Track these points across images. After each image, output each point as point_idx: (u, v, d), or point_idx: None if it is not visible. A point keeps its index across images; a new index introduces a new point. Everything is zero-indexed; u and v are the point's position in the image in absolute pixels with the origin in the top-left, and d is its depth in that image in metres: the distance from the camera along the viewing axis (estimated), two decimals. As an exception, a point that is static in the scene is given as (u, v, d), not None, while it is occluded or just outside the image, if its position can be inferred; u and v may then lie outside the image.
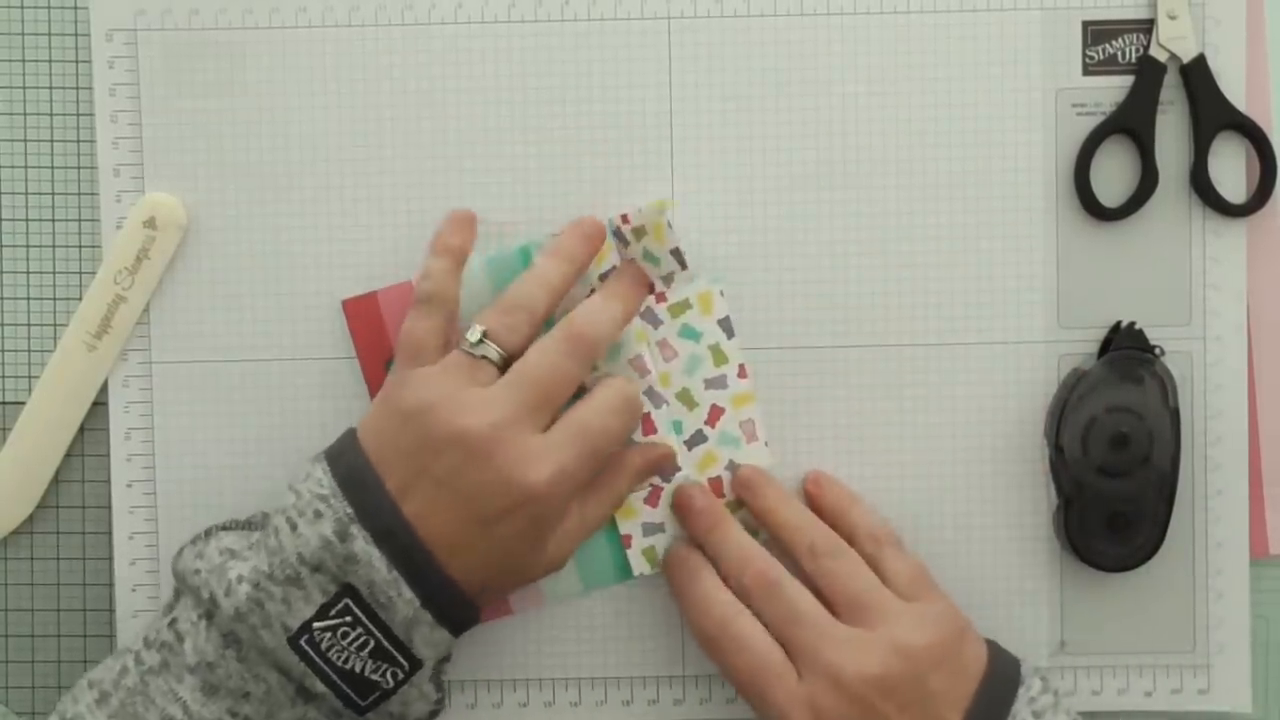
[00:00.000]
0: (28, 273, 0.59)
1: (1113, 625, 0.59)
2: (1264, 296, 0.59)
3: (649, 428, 0.57)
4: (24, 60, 0.58)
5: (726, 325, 0.58)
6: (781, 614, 0.53)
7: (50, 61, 0.58)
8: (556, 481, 0.51)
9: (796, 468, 0.59)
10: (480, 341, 0.53)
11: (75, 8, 0.58)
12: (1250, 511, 0.59)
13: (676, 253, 0.56)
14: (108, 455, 0.59)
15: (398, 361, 0.54)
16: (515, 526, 0.51)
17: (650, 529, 0.58)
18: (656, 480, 0.58)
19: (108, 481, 0.59)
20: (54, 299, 0.59)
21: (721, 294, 0.58)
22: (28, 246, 0.59)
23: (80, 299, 0.58)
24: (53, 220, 0.59)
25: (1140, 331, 0.57)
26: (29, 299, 0.59)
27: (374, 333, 0.58)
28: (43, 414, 0.58)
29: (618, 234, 0.57)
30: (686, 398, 0.58)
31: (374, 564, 0.49)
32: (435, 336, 0.54)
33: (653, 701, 0.59)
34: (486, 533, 0.51)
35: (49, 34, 0.58)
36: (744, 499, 0.57)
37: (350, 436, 0.52)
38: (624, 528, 0.58)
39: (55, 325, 0.59)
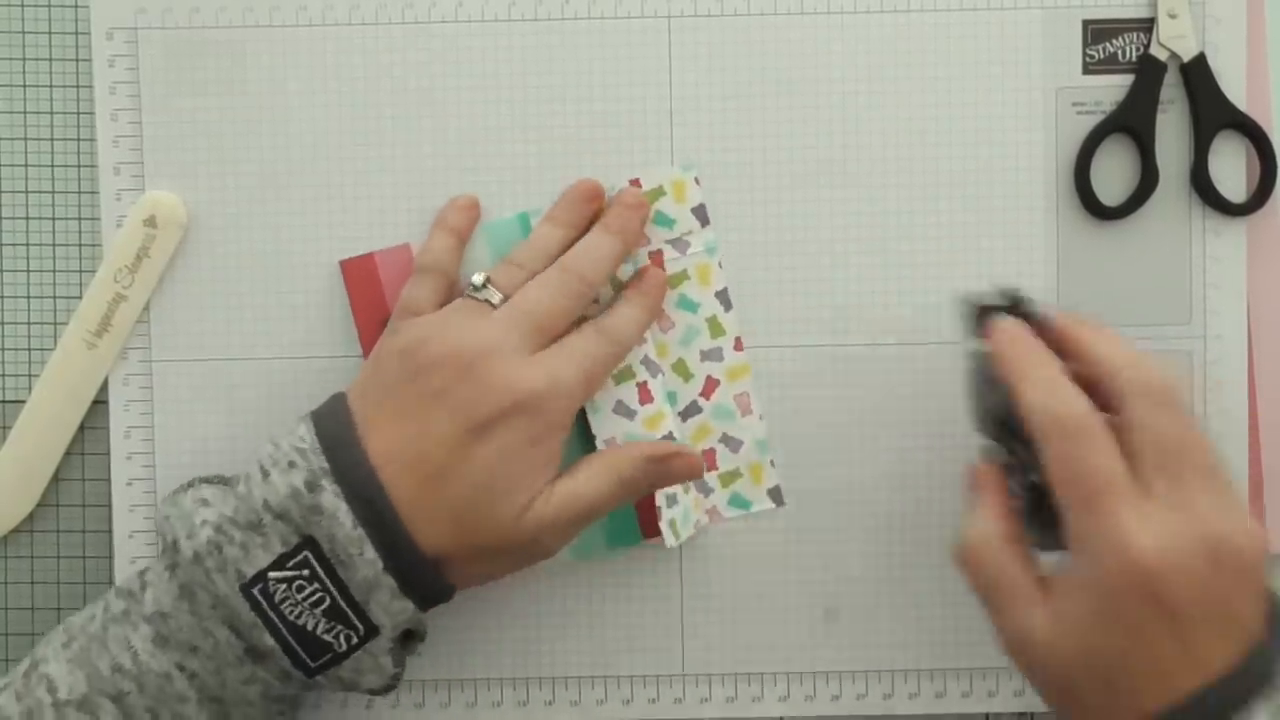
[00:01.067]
0: (28, 271, 0.59)
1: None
2: (1264, 295, 0.59)
3: (645, 396, 0.57)
4: (24, 59, 0.58)
5: (724, 298, 0.58)
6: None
7: (50, 60, 0.58)
8: (550, 387, 0.51)
9: (796, 467, 0.59)
10: (484, 286, 0.53)
11: (75, 6, 0.58)
12: (1250, 510, 0.59)
13: (700, 210, 0.57)
14: (108, 453, 0.59)
15: (392, 321, 0.55)
16: (505, 439, 0.50)
17: (672, 500, 0.57)
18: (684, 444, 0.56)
19: (108, 480, 0.59)
20: (54, 297, 0.59)
21: (720, 265, 0.58)
22: (28, 245, 0.59)
23: (80, 297, 0.58)
24: (53, 219, 0.59)
25: (1004, 290, 0.52)
26: (29, 297, 0.59)
27: (371, 293, 0.58)
28: (43, 412, 0.58)
29: None
30: (682, 369, 0.58)
31: (340, 518, 0.48)
32: (433, 302, 0.55)
33: (653, 700, 0.59)
34: (467, 459, 0.50)
35: (49, 32, 0.58)
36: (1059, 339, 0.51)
37: (339, 398, 0.52)
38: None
39: (55, 324, 0.59)
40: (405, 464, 0.50)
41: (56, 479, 0.59)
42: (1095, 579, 0.45)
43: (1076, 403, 0.47)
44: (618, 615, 0.59)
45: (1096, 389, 0.48)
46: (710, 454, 0.58)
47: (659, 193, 0.57)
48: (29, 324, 0.59)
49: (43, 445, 0.58)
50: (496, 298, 0.53)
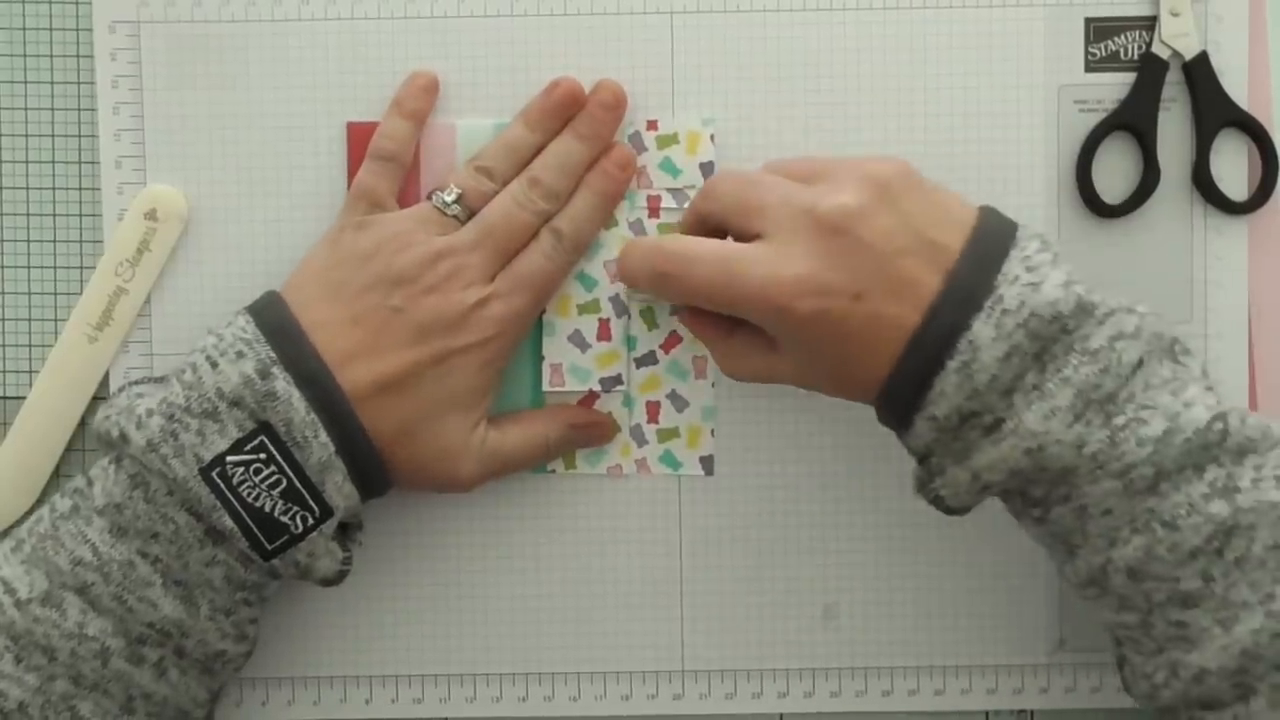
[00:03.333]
0: (29, 266, 0.59)
1: (1113, 622, 0.59)
2: (1265, 293, 0.59)
3: (605, 333, 0.57)
4: (25, 55, 0.58)
5: (708, 170, 0.58)
6: (733, 200, 0.51)
7: (51, 56, 0.58)
8: (507, 321, 0.54)
9: (795, 466, 0.59)
10: (455, 202, 0.54)
11: (77, 1, 0.58)
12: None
13: (708, 167, 0.57)
14: (108, 448, 0.59)
15: (347, 208, 0.56)
16: (457, 365, 0.53)
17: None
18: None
19: (108, 474, 0.59)
20: (55, 292, 0.59)
21: (713, 138, 0.58)
22: (29, 240, 0.59)
23: (81, 292, 0.58)
24: (54, 215, 0.59)
25: None
26: (30, 293, 0.59)
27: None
28: (44, 406, 0.58)
29: (635, 139, 0.57)
30: (649, 317, 0.58)
31: (294, 404, 0.50)
32: (389, 190, 0.56)
33: (651, 696, 0.59)
34: (419, 377, 0.52)
35: (50, 29, 0.58)
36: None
37: (273, 294, 0.53)
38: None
39: (56, 319, 0.59)
40: (357, 367, 0.52)
41: (57, 474, 0.59)
42: (775, 332, 0.50)
43: (639, 253, 0.52)
44: (617, 611, 0.59)
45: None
46: (654, 407, 0.58)
47: (672, 139, 0.58)
48: (30, 319, 0.59)
49: (44, 440, 0.58)
50: (464, 215, 0.54)
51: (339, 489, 0.51)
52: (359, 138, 0.58)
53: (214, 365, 0.51)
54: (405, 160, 0.57)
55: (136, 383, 0.54)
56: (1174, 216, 0.58)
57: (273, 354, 0.51)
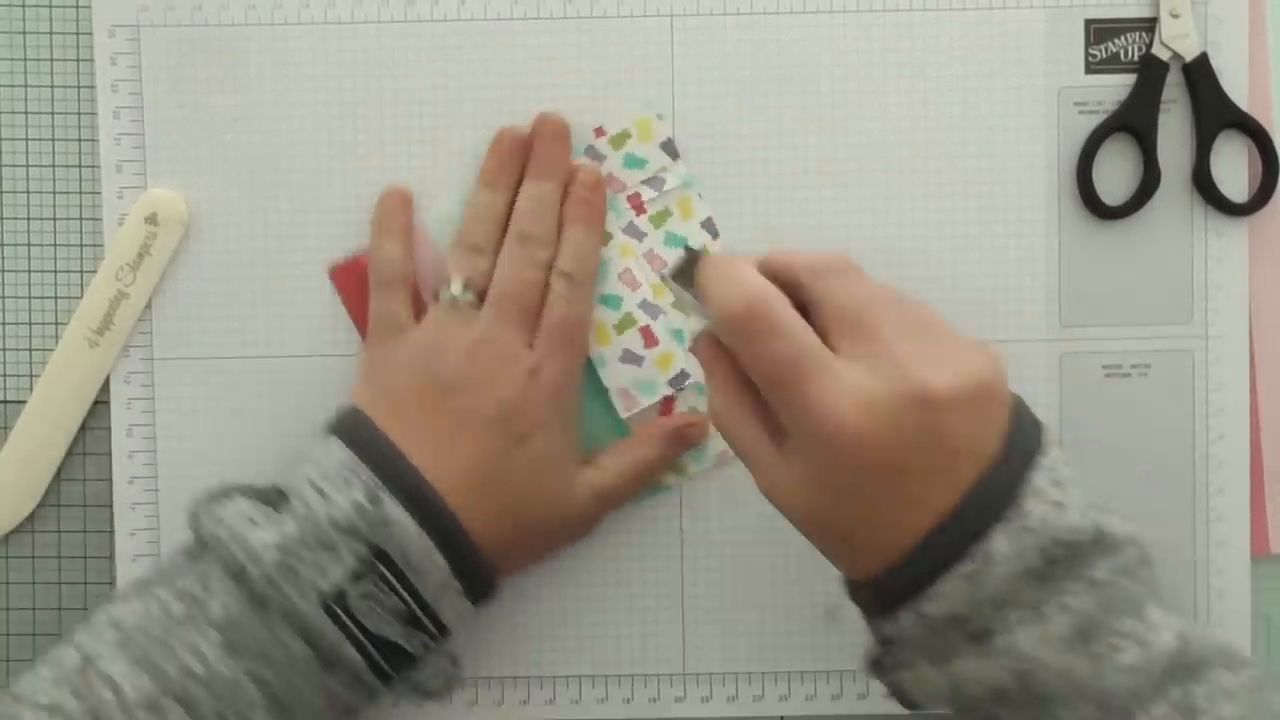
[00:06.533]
0: (29, 271, 0.59)
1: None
2: (1266, 295, 0.59)
3: (650, 339, 0.57)
4: (25, 59, 0.58)
5: (710, 227, 0.58)
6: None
7: (52, 60, 0.58)
8: (561, 378, 0.54)
9: (798, 466, 0.59)
10: (464, 289, 0.55)
11: (77, 5, 0.58)
12: (1251, 510, 0.59)
13: (668, 144, 0.58)
14: (109, 454, 0.59)
15: (375, 338, 0.56)
16: (540, 437, 0.53)
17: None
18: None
19: (109, 479, 0.59)
20: (55, 297, 0.59)
21: (700, 196, 0.58)
22: (29, 244, 0.59)
23: (82, 296, 0.58)
24: (54, 219, 0.59)
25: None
26: (30, 297, 0.59)
27: (365, 294, 0.58)
28: (44, 411, 0.58)
29: (591, 151, 0.58)
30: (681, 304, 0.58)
31: (407, 528, 0.50)
32: (406, 309, 0.56)
33: (654, 699, 0.59)
34: (511, 465, 0.53)
35: (50, 33, 0.58)
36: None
37: (355, 411, 0.53)
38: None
39: (57, 323, 0.59)
40: (454, 477, 0.52)
41: (58, 478, 0.59)
42: (806, 453, 0.45)
43: (747, 288, 0.45)
44: (619, 614, 0.59)
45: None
46: None
47: (625, 136, 0.58)
48: (30, 323, 0.59)
49: (44, 444, 0.58)
50: (474, 298, 0.55)
51: (454, 607, 0.52)
52: (345, 278, 0.58)
53: (322, 494, 0.50)
54: (409, 275, 0.57)
55: (240, 491, 0.53)
56: (1174, 218, 0.58)
57: (376, 478, 0.51)
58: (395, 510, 0.50)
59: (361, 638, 0.50)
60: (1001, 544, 0.43)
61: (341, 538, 0.50)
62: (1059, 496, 0.44)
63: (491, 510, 0.52)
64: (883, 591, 0.46)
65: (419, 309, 0.56)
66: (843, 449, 0.44)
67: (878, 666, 0.49)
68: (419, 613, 0.51)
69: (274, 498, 0.53)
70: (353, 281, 0.58)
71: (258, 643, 0.50)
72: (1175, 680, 0.45)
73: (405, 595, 0.50)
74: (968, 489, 0.44)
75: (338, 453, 0.52)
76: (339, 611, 0.50)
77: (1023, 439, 0.45)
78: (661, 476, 0.58)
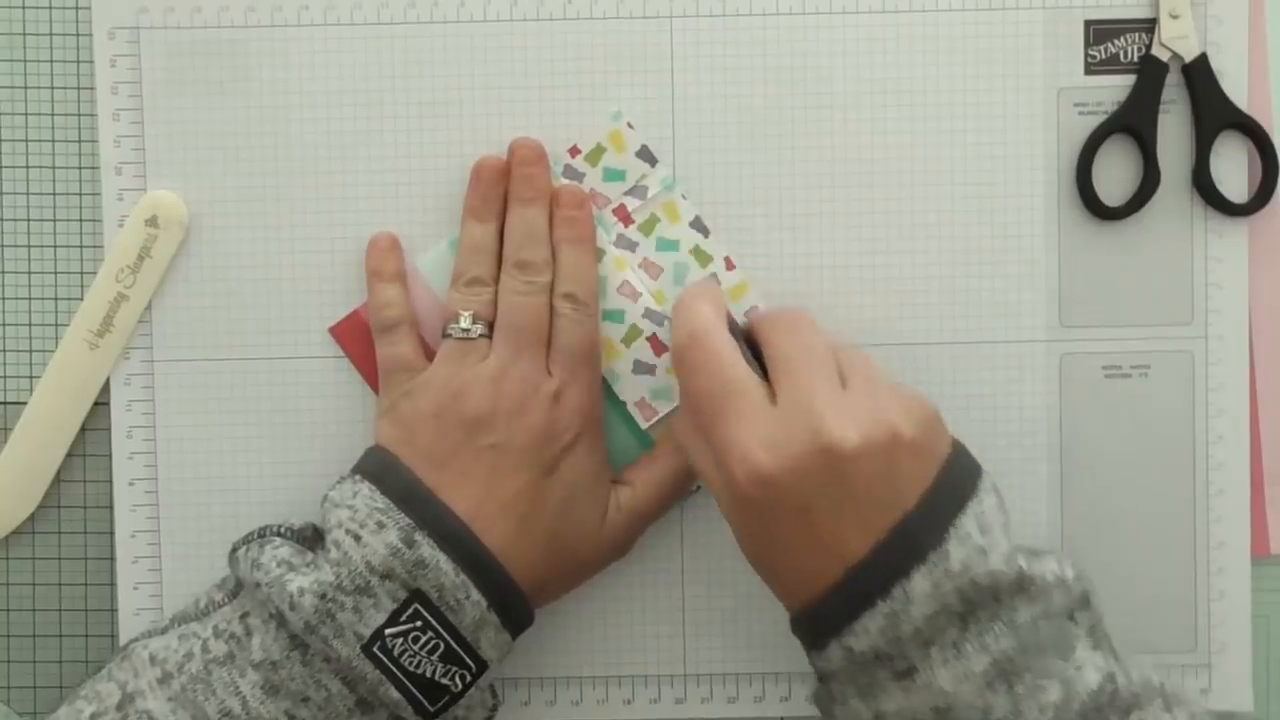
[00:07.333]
0: (29, 272, 0.59)
1: (1113, 624, 0.58)
2: (1265, 296, 0.59)
3: (659, 348, 0.57)
4: (25, 60, 0.58)
5: (699, 225, 0.58)
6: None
7: (52, 62, 0.58)
8: (583, 403, 0.55)
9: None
10: (473, 323, 0.55)
11: (77, 7, 0.58)
12: (1251, 511, 0.59)
13: (644, 151, 0.58)
14: (109, 454, 0.59)
15: (388, 384, 0.56)
16: (569, 465, 0.54)
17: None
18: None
19: (109, 481, 0.59)
20: (55, 298, 0.59)
21: (684, 197, 0.58)
22: (29, 246, 0.59)
23: (82, 298, 0.58)
24: (54, 220, 0.59)
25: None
26: (30, 299, 0.59)
27: (368, 346, 0.58)
28: (44, 413, 0.58)
29: (569, 171, 0.58)
30: None
31: (442, 568, 0.50)
32: (414, 350, 0.56)
33: (654, 700, 0.59)
34: (544, 496, 0.53)
35: (50, 34, 0.58)
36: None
37: (383, 453, 0.54)
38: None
39: (57, 325, 0.59)
40: (490, 514, 0.52)
41: (58, 480, 0.59)
42: (728, 486, 0.48)
43: (694, 318, 0.50)
44: (619, 615, 0.59)
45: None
46: None
47: (600, 150, 0.58)
48: (30, 325, 0.59)
49: (44, 446, 0.58)
50: (482, 329, 0.55)
51: (492, 642, 0.52)
52: (346, 334, 0.58)
53: (357, 539, 0.51)
54: (411, 317, 0.57)
55: (277, 532, 0.54)
56: (1174, 219, 0.58)
57: (409, 520, 0.51)
58: (431, 552, 0.50)
59: (402, 677, 0.50)
60: (921, 584, 0.46)
61: (379, 582, 0.50)
62: (983, 542, 0.47)
63: (527, 544, 0.53)
64: (812, 625, 0.49)
65: (425, 351, 0.57)
66: (751, 486, 0.47)
67: (819, 702, 0.51)
68: (458, 649, 0.51)
69: (310, 538, 0.54)
70: (353, 335, 0.58)
71: (297, 684, 0.50)
72: (1104, 719, 0.46)
73: (444, 633, 0.51)
74: (882, 535, 0.47)
75: (369, 496, 0.52)
76: (378, 653, 0.50)
77: (951, 486, 0.48)
78: (689, 485, 0.58)
